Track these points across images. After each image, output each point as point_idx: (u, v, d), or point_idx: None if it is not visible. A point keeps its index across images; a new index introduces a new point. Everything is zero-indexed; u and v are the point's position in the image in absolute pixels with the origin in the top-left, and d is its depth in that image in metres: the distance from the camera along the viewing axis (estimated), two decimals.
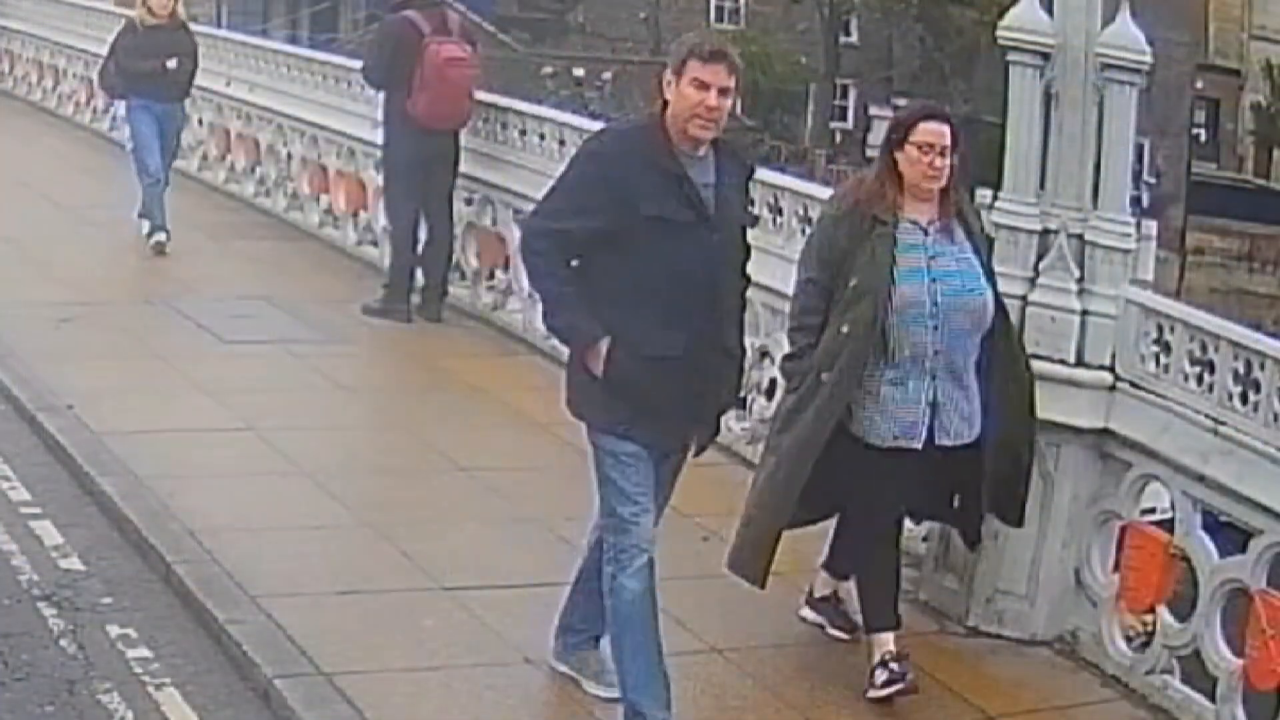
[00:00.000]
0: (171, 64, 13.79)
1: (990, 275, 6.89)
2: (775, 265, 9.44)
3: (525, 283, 11.80)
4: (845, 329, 6.66)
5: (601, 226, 6.11)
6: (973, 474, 6.92)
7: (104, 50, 18.95)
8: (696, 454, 6.58)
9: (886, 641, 6.90)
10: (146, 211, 13.80)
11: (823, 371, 6.72)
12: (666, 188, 6.13)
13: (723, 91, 6.11)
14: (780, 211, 9.52)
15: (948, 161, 6.71)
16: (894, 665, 6.82)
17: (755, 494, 7.09)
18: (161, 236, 13.68)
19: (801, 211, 9.38)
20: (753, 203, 7.90)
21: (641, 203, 6.09)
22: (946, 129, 6.73)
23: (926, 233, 6.76)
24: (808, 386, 6.79)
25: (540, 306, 6.43)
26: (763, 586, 7.02)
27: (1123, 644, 7.29)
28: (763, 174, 9.11)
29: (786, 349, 7.09)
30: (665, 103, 6.19)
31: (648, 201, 6.09)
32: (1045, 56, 7.54)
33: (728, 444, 9.65)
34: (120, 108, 18.40)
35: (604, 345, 6.14)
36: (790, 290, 9.16)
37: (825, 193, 9.36)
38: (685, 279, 6.13)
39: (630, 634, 6.36)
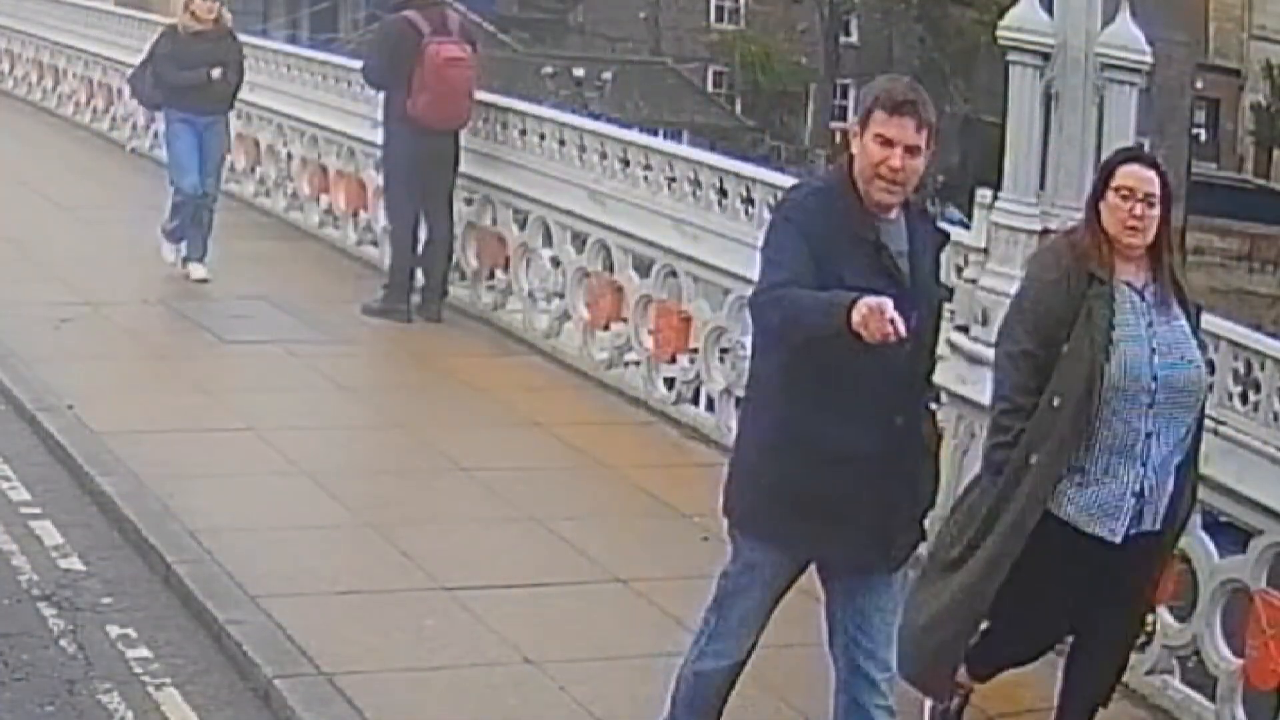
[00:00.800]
0: (216, 74, 12.75)
1: (1203, 347, 6.12)
2: None
3: (525, 283, 11.89)
4: (1057, 402, 5.81)
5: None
6: (1140, 569, 6.09)
7: (104, 50, 19.13)
8: (899, 564, 5.67)
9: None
10: (178, 233, 12.94)
11: (1031, 453, 5.85)
12: (865, 256, 5.34)
13: (910, 150, 5.32)
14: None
15: (1154, 213, 5.85)
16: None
17: (939, 594, 6.06)
18: (202, 271, 12.76)
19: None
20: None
21: (844, 272, 5.24)
22: (1152, 174, 5.88)
23: (1143, 297, 5.90)
24: (1014, 470, 5.90)
25: (790, 334, 5.32)
26: (948, 700, 6.31)
27: None
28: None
29: (995, 436, 6.04)
30: (851, 157, 5.43)
31: (850, 271, 5.25)
32: (1045, 56, 7.54)
33: (728, 444, 9.67)
34: (122, 108, 18.49)
35: (871, 299, 5.03)
36: None
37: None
38: (884, 363, 5.22)
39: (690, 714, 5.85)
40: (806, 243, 5.28)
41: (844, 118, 58.30)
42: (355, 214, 13.97)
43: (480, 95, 12.30)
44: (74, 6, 20.50)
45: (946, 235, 5.78)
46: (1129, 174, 5.87)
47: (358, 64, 13.33)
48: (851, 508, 5.40)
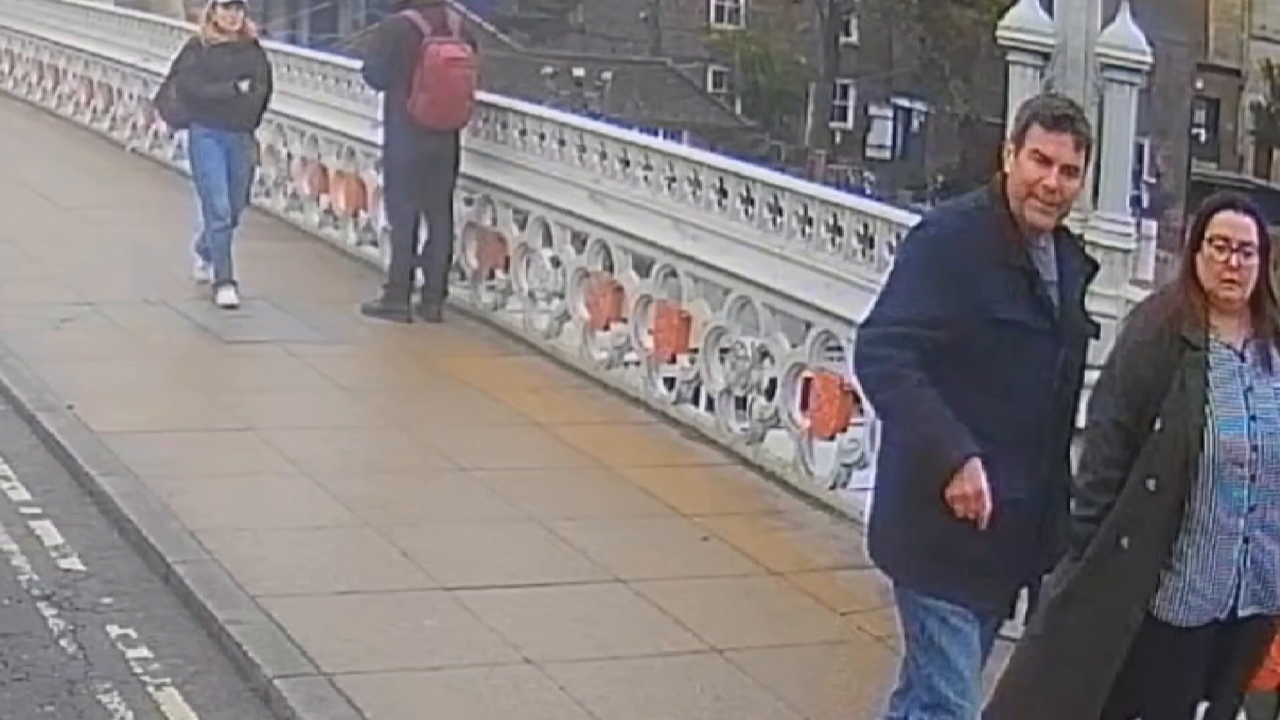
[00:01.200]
0: (244, 86, 12.20)
1: None
2: (778, 266, 9.49)
3: (525, 283, 11.88)
4: (1153, 485, 5.28)
5: (947, 333, 4.93)
6: (1242, 656, 5.56)
7: (104, 50, 19.13)
8: (1026, 618, 5.44)
9: None
10: (214, 259, 12.28)
11: (1122, 536, 5.32)
12: (1016, 286, 5.00)
13: (1068, 170, 5.03)
14: (780, 211, 9.52)
15: (1252, 263, 5.32)
16: None
17: (1045, 690, 5.48)
18: (232, 297, 12.07)
19: (801, 211, 9.38)
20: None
21: (994, 304, 4.95)
22: (1249, 221, 5.34)
23: (1243, 357, 5.37)
24: (1100, 552, 5.36)
25: (889, 419, 5.15)
26: None
27: None
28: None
29: (1080, 509, 5.46)
30: (1004, 176, 5.11)
31: (1001, 302, 4.96)
32: (1045, 56, 7.54)
33: (728, 444, 9.68)
34: (121, 107, 18.49)
35: (978, 464, 4.89)
36: (798, 293, 9.28)
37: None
38: (1031, 402, 5.01)
39: None
40: (948, 274, 4.97)
41: (844, 118, 58.53)
42: (355, 214, 13.96)
43: (480, 95, 12.29)
44: (74, 6, 20.48)
45: (1096, 265, 5.42)
46: (1224, 222, 5.34)
47: (358, 64, 13.32)
48: (995, 557, 5.08)
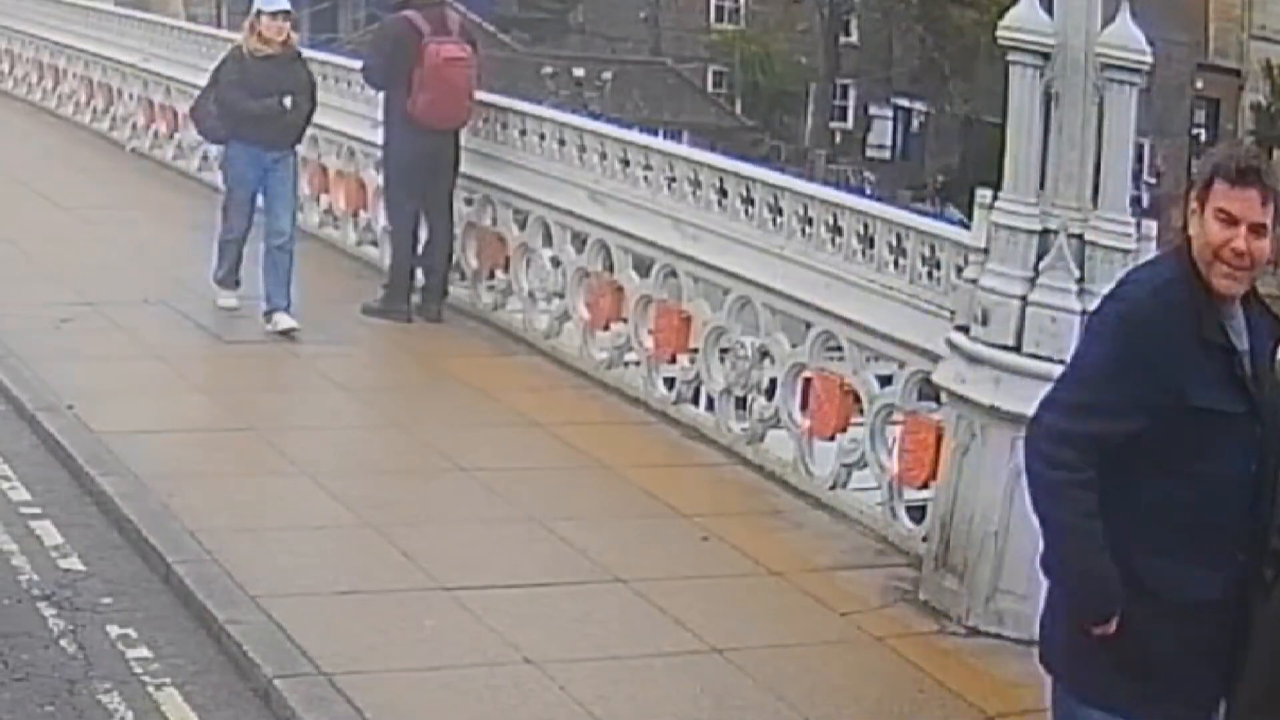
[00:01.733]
0: (288, 103, 11.72)
1: None
2: (778, 266, 9.49)
3: (525, 283, 11.89)
4: None
5: (1133, 421, 4.52)
6: None
7: (104, 50, 19.13)
8: None
9: None
10: (219, 260, 11.97)
11: None
12: (1213, 364, 4.55)
13: (1255, 229, 4.52)
14: (780, 211, 9.52)
15: None
16: None
17: None
18: (233, 301, 11.91)
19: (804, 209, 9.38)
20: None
21: (1190, 389, 4.50)
22: None
23: None
24: None
25: (1043, 536, 4.68)
26: None
27: None
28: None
29: None
30: (1188, 239, 4.64)
31: (1197, 387, 4.50)
32: (1045, 56, 7.54)
33: (728, 444, 9.68)
34: (121, 107, 18.48)
35: (1115, 623, 4.54)
36: (798, 293, 9.27)
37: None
38: (1226, 492, 4.54)
39: None
40: (1139, 356, 4.52)
41: (844, 118, 58.58)
42: (355, 214, 13.96)
43: (480, 95, 12.29)
44: (74, 6, 20.49)
45: None
46: None
47: (358, 64, 13.32)
48: (1185, 663, 4.62)
